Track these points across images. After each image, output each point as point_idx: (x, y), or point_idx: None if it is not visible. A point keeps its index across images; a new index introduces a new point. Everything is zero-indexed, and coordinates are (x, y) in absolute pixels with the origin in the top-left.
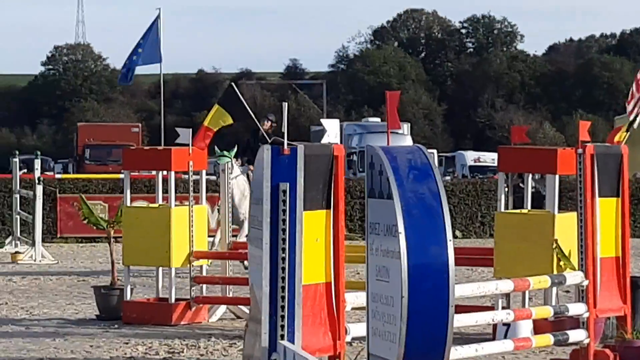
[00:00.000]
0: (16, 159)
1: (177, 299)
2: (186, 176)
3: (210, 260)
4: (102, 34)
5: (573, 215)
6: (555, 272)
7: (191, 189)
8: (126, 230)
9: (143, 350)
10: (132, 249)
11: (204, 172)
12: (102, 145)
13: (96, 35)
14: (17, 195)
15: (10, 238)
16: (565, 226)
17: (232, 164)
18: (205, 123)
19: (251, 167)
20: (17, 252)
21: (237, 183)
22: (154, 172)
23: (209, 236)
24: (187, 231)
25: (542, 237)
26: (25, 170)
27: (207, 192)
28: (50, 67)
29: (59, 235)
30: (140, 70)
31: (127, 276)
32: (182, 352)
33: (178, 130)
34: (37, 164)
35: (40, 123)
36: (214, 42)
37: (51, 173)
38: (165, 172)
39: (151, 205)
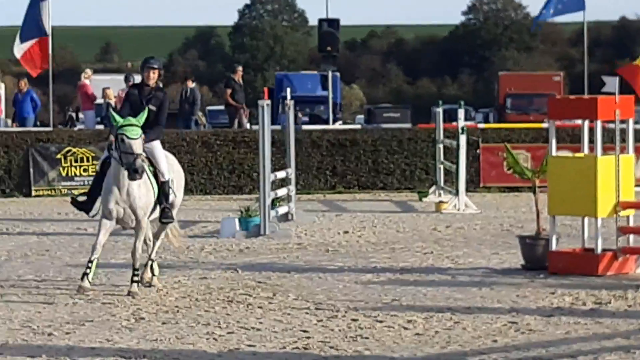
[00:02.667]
0: (439, 109)
1: (603, 250)
2: (612, 125)
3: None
4: None
5: None
6: None
7: (618, 138)
8: (551, 180)
9: (570, 301)
10: (557, 198)
11: (631, 120)
12: (523, 95)
13: None
14: (441, 145)
15: (434, 187)
16: None
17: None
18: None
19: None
20: (440, 202)
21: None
22: (577, 121)
23: (636, 186)
24: (614, 181)
25: None
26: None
27: (635, 141)
28: (471, 16)
29: (481, 185)
30: (560, 18)
31: (553, 226)
32: (609, 302)
33: (604, 78)
34: (461, 113)
35: (460, 73)
36: None
37: (472, 122)
38: (590, 121)
39: (576, 154)
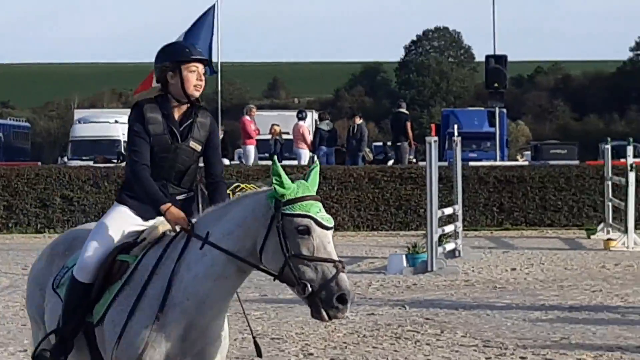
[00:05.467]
0: (607, 146)
1: None
2: None
3: None
4: None
5: None
6: None
7: None
8: None
9: None
10: None
11: None
12: None
13: None
14: (609, 182)
15: (602, 225)
16: None
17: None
18: None
19: None
20: (609, 239)
21: None
22: None
23: None
24: None
25: None
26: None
27: None
28: (639, 52)
29: None
30: None
31: None
32: None
33: None
34: (630, 150)
35: (628, 109)
36: None
37: None
38: None
39: None
